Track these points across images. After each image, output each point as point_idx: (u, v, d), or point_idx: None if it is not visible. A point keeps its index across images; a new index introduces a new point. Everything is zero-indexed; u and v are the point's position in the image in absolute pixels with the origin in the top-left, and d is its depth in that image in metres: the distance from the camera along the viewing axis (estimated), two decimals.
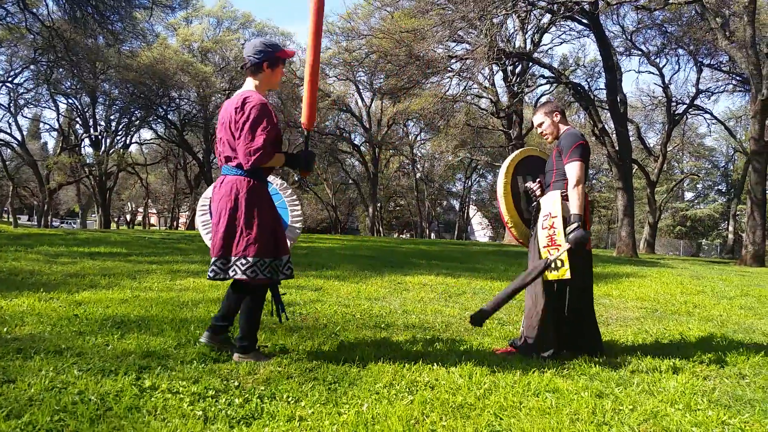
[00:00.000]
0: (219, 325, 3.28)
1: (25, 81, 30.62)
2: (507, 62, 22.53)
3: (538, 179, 3.95)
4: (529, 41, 24.00)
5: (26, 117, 40.01)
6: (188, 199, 41.40)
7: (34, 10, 18.69)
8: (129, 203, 54.73)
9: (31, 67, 28.47)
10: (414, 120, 35.78)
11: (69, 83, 30.29)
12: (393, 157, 43.27)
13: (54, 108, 34.06)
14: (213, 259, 3.09)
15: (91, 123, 33.34)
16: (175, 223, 44.96)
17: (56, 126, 36.29)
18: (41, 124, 43.75)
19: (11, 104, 32.18)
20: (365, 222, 45.61)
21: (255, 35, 35.67)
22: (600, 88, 25.97)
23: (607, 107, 21.65)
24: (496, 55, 17.40)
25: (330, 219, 47.79)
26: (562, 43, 52.76)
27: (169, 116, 33.71)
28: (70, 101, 33.25)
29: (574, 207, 3.55)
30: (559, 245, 3.55)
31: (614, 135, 20.32)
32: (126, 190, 49.61)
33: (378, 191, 39.75)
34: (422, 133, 41.12)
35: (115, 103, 32.74)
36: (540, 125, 3.97)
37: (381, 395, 2.72)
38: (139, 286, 5.53)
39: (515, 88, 22.36)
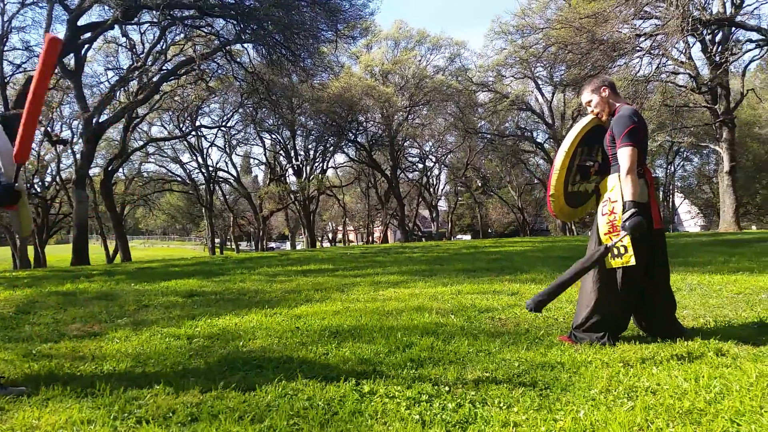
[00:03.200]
0: None
1: (235, 123, 35.18)
2: (704, 32, 20.16)
3: (597, 161, 3.84)
4: (728, 4, 21.19)
5: (239, 155, 45.88)
6: (380, 214, 43.66)
7: (238, 60, 21.36)
8: (330, 223, 59.30)
9: (240, 110, 32.57)
10: None
11: (271, 120, 34.05)
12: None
13: (261, 144, 38.65)
14: None
15: (292, 154, 37.00)
16: (370, 238, 47.68)
17: (264, 160, 41.01)
18: (251, 160, 49.69)
19: (226, 145, 37.27)
20: (555, 222, 43.83)
21: (430, 50, 36.63)
22: None
23: None
24: (690, 26, 15.71)
25: (517, 221, 46.84)
26: None
27: (358, 139, 36.01)
28: (274, 136, 37.38)
29: (628, 194, 3.45)
30: (621, 231, 3.43)
31: None
32: (326, 211, 53.88)
33: None
34: None
35: (311, 134, 35.96)
36: (588, 103, 3.83)
37: (597, 401, 2.59)
38: (348, 298, 5.95)
39: (717, 59, 19.90)
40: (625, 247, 3.45)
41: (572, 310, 4.77)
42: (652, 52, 20.05)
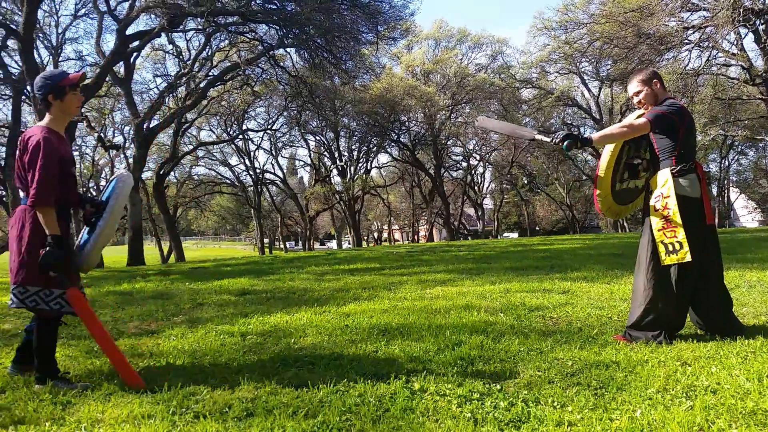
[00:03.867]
0: (19, 354, 3.33)
1: (281, 126, 35.74)
2: (757, 21, 19.27)
3: (645, 159, 3.75)
4: None
5: (284, 157, 46.46)
6: (425, 213, 43.56)
7: (282, 64, 21.67)
8: (375, 222, 59.52)
9: (284, 113, 33.06)
10: None
11: (315, 123, 34.42)
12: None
13: (305, 146, 39.11)
14: (11, 287, 3.08)
15: (336, 155, 37.32)
16: (415, 237, 47.63)
17: (309, 161, 41.48)
18: (296, 162, 50.33)
19: (272, 148, 37.94)
20: (606, 219, 42.76)
21: (471, 48, 36.30)
22: None
23: None
24: (742, 17, 15.07)
25: (566, 218, 45.92)
26: None
27: (401, 139, 36.02)
28: (318, 138, 37.77)
29: (599, 132, 3.50)
30: (676, 227, 3.37)
31: None
32: (371, 211, 54.08)
33: None
34: None
35: (354, 135, 36.15)
36: (637, 94, 3.74)
37: (655, 401, 2.52)
38: (395, 296, 5.97)
39: None
40: (681, 243, 3.38)
41: (626, 308, 4.65)
42: (701, 44, 19.31)
